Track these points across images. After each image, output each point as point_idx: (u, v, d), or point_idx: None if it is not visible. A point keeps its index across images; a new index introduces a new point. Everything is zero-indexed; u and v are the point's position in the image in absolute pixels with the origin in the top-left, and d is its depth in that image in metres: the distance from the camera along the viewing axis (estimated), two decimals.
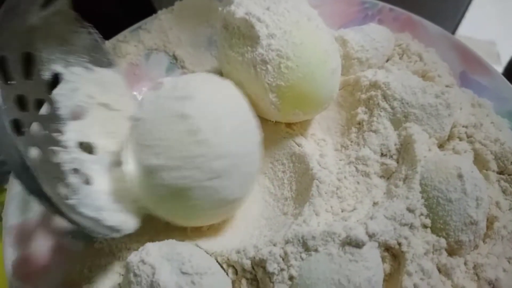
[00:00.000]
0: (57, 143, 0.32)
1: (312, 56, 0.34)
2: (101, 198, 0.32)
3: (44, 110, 0.33)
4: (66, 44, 0.35)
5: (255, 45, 0.33)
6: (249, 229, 0.35)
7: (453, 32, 0.72)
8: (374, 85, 0.38)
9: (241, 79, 0.35)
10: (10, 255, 0.34)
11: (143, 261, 0.29)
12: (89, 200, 0.31)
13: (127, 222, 0.31)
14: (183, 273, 0.28)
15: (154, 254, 0.29)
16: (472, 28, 0.76)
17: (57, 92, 0.34)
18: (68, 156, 0.32)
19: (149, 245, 0.30)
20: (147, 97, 0.32)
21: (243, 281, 0.31)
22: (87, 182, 0.32)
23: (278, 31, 0.33)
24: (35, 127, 0.31)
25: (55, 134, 0.33)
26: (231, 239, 0.34)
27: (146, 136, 0.30)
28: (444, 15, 0.68)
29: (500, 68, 0.72)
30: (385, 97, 0.37)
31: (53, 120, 0.33)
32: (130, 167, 0.31)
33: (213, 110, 0.30)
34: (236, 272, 0.31)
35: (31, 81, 0.32)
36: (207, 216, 0.32)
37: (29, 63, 0.32)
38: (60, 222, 0.35)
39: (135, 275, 0.28)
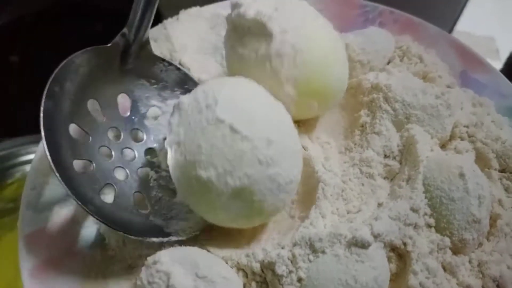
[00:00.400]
0: (148, 164, 0.38)
1: (324, 49, 0.36)
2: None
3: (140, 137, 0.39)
4: (158, 82, 0.40)
5: (269, 41, 0.34)
6: (257, 233, 0.36)
7: (452, 28, 0.72)
8: (376, 88, 0.38)
9: (255, 76, 0.36)
10: (26, 263, 0.35)
11: (156, 270, 0.29)
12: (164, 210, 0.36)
13: (185, 230, 0.34)
14: (199, 277, 0.29)
15: (167, 260, 0.30)
16: (471, 24, 0.76)
17: (156, 123, 0.39)
18: (158, 174, 0.37)
19: (161, 253, 0.31)
20: (174, 120, 0.32)
21: (253, 284, 0.31)
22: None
23: (290, 27, 0.35)
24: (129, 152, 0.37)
25: (148, 157, 0.38)
26: (239, 243, 0.35)
27: (189, 154, 0.30)
28: (443, 11, 0.68)
29: (499, 64, 0.72)
30: (386, 99, 0.38)
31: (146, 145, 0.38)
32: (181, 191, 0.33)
33: (240, 105, 0.31)
34: (246, 275, 0.32)
35: (128, 116, 0.38)
36: (270, 209, 0.32)
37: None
38: (73, 229, 0.36)
39: (149, 282, 0.29)
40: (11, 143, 0.53)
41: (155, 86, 0.40)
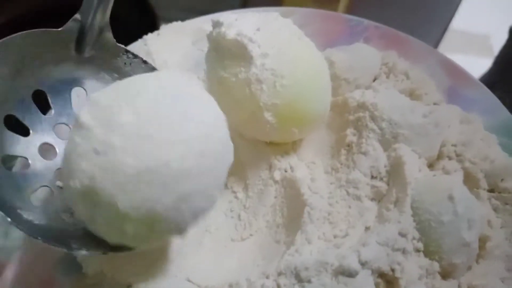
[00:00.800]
0: None
1: (306, 73, 0.34)
2: None
3: None
4: (121, 77, 0.34)
5: (249, 65, 0.33)
6: (242, 258, 0.35)
7: (447, 27, 0.72)
8: (362, 106, 0.38)
9: (234, 100, 0.35)
10: None
11: None
12: None
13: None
14: None
15: None
16: (465, 22, 0.76)
17: None
18: None
19: (140, 285, 0.29)
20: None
21: None
22: None
23: (271, 50, 0.34)
24: None
25: None
26: (222, 269, 0.34)
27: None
28: (438, 9, 0.68)
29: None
30: (373, 118, 0.37)
31: None
32: None
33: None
34: None
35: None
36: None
37: None
38: (49, 257, 0.35)
39: None
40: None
41: (117, 80, 0.35)
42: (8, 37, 0.30)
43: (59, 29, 0.32)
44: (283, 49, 0.34)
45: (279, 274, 0.30)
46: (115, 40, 0.35)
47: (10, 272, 0.34)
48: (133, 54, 0.36)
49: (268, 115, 0.34)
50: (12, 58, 0.31)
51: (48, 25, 0.33)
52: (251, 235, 0.36)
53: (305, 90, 0.35)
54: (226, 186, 0.39)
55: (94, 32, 0.33)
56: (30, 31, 0.31)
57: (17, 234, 0.36)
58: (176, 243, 0.35)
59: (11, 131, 0.31)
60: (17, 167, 0.32)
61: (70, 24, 0.33)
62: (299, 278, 0.29)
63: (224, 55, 0.35)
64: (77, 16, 0.32)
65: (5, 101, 0.31)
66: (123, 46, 0.35)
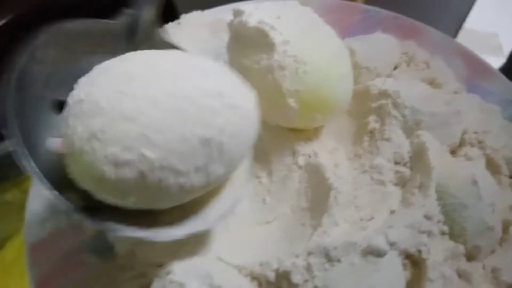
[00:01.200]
0: None
1: (328, 59, 0.35)
2: None
3: None
4: None
5: (271, 52, 0.34)
6: (268, 241, 0.35)
7: (461, 25, 0.72)
8: (384, 94, 0.38)
9: (257, 88, 0.35)
10: (33, 273, 0.34)
11: (170, 281, 0.29)
12: None
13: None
14: (214, 287, 0.28)
15: (180, 271, 0.29)
16: (475, 21, 0.76)
17: None
18: None
19: (174, 264, 0.30)
20: None
21: None
22: None
23: (292, 37, 0.34)
24: None
25: None
26: (251, 251, 0.34)
27: None
28: (454, 8, 0.68)
29: (503, 59, 0.73)
30: (395, 105, 0.37)
31: None
32: None
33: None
34: (260, 284, 0.31)
35: None
36: None
37: None
38: (81, 238, 0.35)
39: None
40: None
41: None
42: (59, 22, 0.30)
43: (111, 21, 0.32)
44: (304, 36, 0.35)
45: (309, 253, 0.30)
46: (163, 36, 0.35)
47: (42, 253, 0.35)
48: (180, 49, 0.36)
49: (291, 101, 0.35)
50: (62, 43, 0.30)
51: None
52: (276, 218, 0.37)
53: (327, 76, 0.35)
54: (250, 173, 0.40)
55: (145, 26, 0.33)
56: (81, 19, 0.31)
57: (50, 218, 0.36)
58: None
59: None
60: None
61: (121, 17, 0.32)
62: (328, 258, 0.30)
63: (245, 43, 0.36)
64: (129, 10, 0.33)
65: (55, 85, 0.30)
66: (170, 42, 0.35)
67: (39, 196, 0.37)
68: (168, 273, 0.30)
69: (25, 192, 0.52)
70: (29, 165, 0.27)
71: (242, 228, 0.37)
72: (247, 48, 0.36)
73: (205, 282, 0.29)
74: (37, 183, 0.38)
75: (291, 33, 0.35)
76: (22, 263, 0.50)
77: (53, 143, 0.28)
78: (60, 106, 0.28)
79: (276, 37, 0.34)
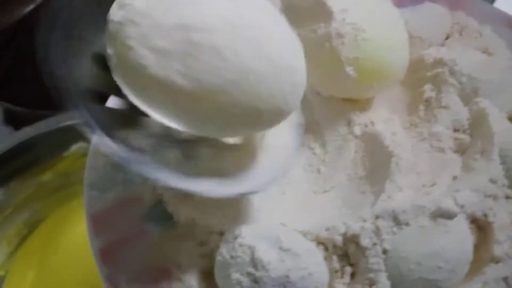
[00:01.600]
0: None
1: (386, 27, 0.35)
2: None
3: None
4: None
5: (329, 20, 0.34)
6: (327, 209, 0.35)
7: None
8: (440, 62, 0.38)
9: (313, 57, 0.35)
10: (96, 244, 0.34)
11: (239, 244, 0.29)
12: None
13: None
14: (283, 250, 0.28)
15: (249, 234, 0.29)
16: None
17: None
18: None
19: (242, 228, 0.30)
20: None
21: (334, 257, 0.31)
22: None
23: (350, 5, 0.34)
24: None
25: None
26: (310, 219, 0.34)
27: None
28: None
29: None
30: (452, 73, 0.37)
31: None
32: None
33: None
34: (326, 249, 0.31)
35: None
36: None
37: None
38: (140, 208, 0.36)
39: (232, 257, 0.29)
40: (65, 116, 0.53)
41: None
42: None
43: None
44: (362, 4, 0.35)
45: (377, 217, 0.30)
46: None
47: (102, 225, 0.35)
48: None
49: (349, 70, 0.35)
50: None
51: None
52: (332, 187, 0.37)
53: (385, 44, 0.35)
54: (301, 143, 0.40)
55: None
56: None
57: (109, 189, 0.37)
58: (259, 195, 0.36)
59: None
60: None
61: None
62: (397, 221, 0.30)
63: (300, 13, 0.36)
64: None
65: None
66: None
67: (96, 168, 0.37)
68: (236, 237, 0.30)
69: (59, 174, 0.53)
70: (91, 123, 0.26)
71: (298, 197, 0.37)
72: (302, 18, 0.36)
73: (275, 245, 0.29)
74: (93, 155, 0.38)
75: (349, 1, 0.35)
76: (48, 249, 0.50)
77: None
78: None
79: (334, 5, 0.34)
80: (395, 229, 0.30)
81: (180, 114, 0.26)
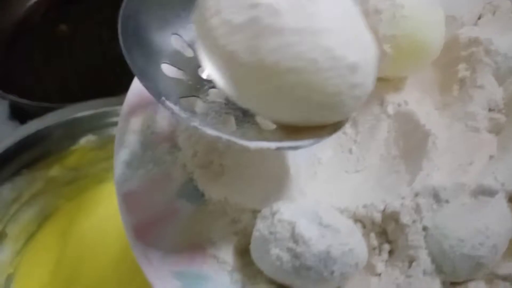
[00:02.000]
0: None
1: (425, 4, 0.35)
2: None
3: None
4: None
5: None
6: (360, 188, 0.35)
7: None
8: (475, 41, 0.37)
9: None
10: (128, 220, 0.34)
11: (278, 220, 0.29)
12: None
13: None
14: (323, 226, 0.28)
15: (288, 211, 0.29)
16: None
17: None
18: None
19: (280, 204, 0.30)
20: None
21: (372, 235, 0.31)
22: None
23: None
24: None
25: None
26: (345, 197, 0.34)
27: None
28: None
29: None
30: (487, 52, 0.37)
31: None
32: None
33: None
34: (364, 227, 0.31)
35: None
36: None
37: None
38: (171, 186, 0.35)
39: (271, 232, 0.29)
40: (73, 109, 0.52)
41: None
42: None
43: None
44: None
45: (416, 195, 0.30)
46: None
47: (134, 203, 0.35)
48: None
49: (386, 47, 0.34)
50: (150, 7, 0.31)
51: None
52: (365, 167, 0.36)
53: (423, 21, 0.35)
54: None
55: None
56: None
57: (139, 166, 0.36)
58: (291, 174, 0.35)
59: None
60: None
61: None
62: (437, 198, 0.30)
63: None
64: None
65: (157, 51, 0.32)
66: None
67: (126, 146, 0.37)
68: (275, 213, 0.29)
69: (67, 168, 0.52)
70: None
71: (330, 177, 0.37)
72: None
73: (314, 221, 0.29)
74: (123, 133, 0.38)
75: None
76: (56, 248, 0.49)
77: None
78: None
79: None
80: (435, 206, 0.30)
81: (239, 88, 0.27)
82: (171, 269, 0.32)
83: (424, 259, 0.29)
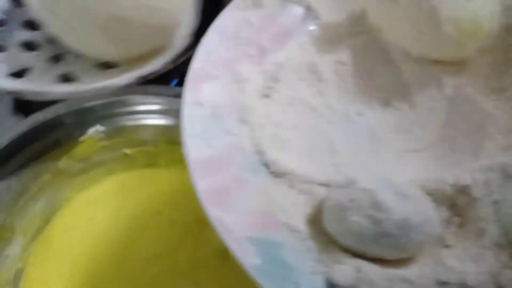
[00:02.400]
0: None
1: None
2: None
3: None
4: None
5: None
6: (422, 166, 0.36)
7: None
8: None
9: (409, 15, 0.36)
10: (200, 187, 0.35)
11: (359, 188, 0.30)
12: None
13: None
14: (401, 195, 0.29)
15: (366, 180, 0.30)
16: None
17: None
18: None
19: (357, 174, 0.31)
20: None
21: (442, 208, 0.32)
22: None
23: None
24: None
25: None
26: (407, 174, 0.35)
27: None
28: None
29: None
30: None
31: None
32: None
33: None
34: (434, 200, 0.32)
35: None
36: None
37: None
38: (239, 157, 0.36)
39: (351, 200, 0.30)
40: (81, 99, 0.51)
41: None
42: None
43: None
44: None
45: (485, 170, 0.31)
46: None
47: (204, 173, 0.36)
48: None
49: (449, 29, 0.35)
50: None
51: None
52: (424, 147, 0.38)
53: (485, 4, 0.36)
54: (388, 104, 0.41)
55: None
56: None
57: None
58: (352, 150, 0.37)
59: None
60: None
61: None
62: (506, 174, 0.31)
63: None
64: None
65: None
66: None
67: (196, 117, 0.38)
68: (352, 182, 0.31)
69: (76, 160, 0.50)
70: None
71: (391, 155, 0.38)
72: None
73: (391, 192, 0.30)
74: (191, 106, 0.38)
75: None
76: (65, 242, 0.48)
77: None
78: None
79: None
80: (503, 181, 0.31)
81: None
82: (246, 234, 0.33)
83: (494, 231, 0.30)
